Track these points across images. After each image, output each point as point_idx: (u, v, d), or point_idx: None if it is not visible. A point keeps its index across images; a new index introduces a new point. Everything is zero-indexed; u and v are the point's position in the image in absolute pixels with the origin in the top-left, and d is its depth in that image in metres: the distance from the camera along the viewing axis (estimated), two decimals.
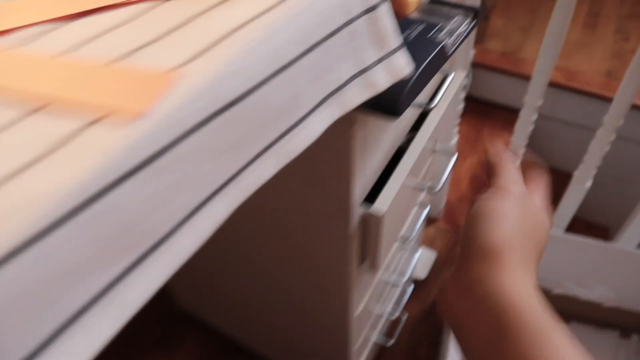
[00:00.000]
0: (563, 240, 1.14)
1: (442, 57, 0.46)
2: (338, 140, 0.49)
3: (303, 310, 0.88)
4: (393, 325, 1.27)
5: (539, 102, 1.11)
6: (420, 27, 0.48)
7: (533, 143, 1.31)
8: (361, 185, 0.56)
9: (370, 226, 0.62)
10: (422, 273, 1.34)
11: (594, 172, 1.18)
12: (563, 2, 0.92)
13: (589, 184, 1.20)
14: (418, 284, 1.37)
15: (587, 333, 1.29)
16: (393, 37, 0.34)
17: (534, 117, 1.16)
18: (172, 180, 0.22)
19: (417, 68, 0.42)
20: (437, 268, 1.40)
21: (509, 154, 0.41)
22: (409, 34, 0.46)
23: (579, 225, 2.01)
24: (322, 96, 0.30)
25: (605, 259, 1.13)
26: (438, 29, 0.48)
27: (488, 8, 2.38)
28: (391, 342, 1.12)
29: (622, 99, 1.01)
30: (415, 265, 1.30)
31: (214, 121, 0.23)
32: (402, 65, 0.35)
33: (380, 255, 0.66)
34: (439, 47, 0.45)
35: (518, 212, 0.36)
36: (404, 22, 0.49)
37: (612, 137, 1.10)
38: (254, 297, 0.97)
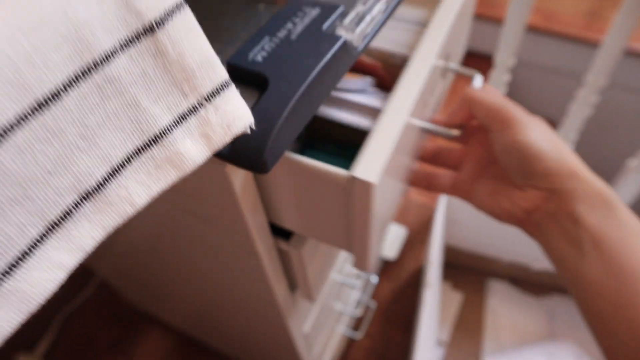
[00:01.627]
0: None
1: (344, 58, 0.32)
2: (216, 180, 0.36)
3: (248, 328, 0.77)
4: (364, 314, 1.17)
5: (515, 48, 0.97)
6: (314, 14, 0.33)
7: (511, 92, 1.18)
8: (263, 221, 0.43)
9: (291, 261, 0.49)
10: (391, 253, 1.22)
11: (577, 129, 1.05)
12: None
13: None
14: (388, 265, 1.26)
15: (569, 303, 1.21)
16: (207, 71, 0.19)
17: (511, 63, 1.01)
18: None
19: (297, 87, 0.28)
20: (408, 246, 1.29)
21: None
22: (292, 28, 0.32)
23: None
24: (51, 218, 0.16)
25: None
26: (340, 14, 0.33)
27: None
28: (359, 335, 1.03)
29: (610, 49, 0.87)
30: (384, 245, 1.19)
31: None
32: (231, 117, 0.21)
33: (313, 287, 0.54)
34: (338, 45, 0.30)
35: None
36: (291, 5, 0.34)
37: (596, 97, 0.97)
38: (204, 304, 0.85)
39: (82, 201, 0.17)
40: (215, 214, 0.42)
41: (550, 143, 0.38)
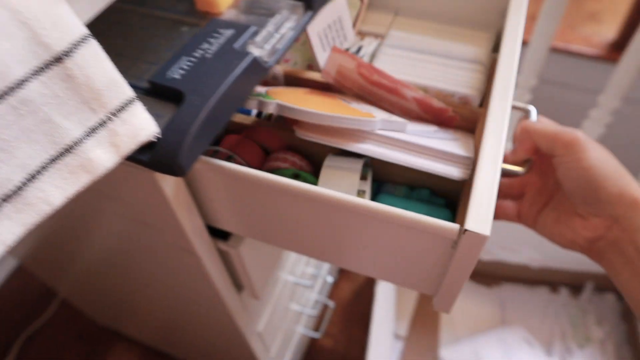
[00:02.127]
0: None
1: (255, 72, 0.36)
2: (148, 187, 0.39)
3: (202, 331, 0.79)
4: (322, 313, 1.21)
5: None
6: (228, 34, 0.37)
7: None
8: (199, 223, 0.47)
9: (232, 260, 0.53)
10: None
11: None
12: None
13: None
14: None
15: (519, 291, 1.28)
16: (113, 90, 0.23)
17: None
18: None
19: (206, 100, 0.32)
20: None
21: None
22: (208, 48, 0.36)
23: None
24: None
25: None
26: (252, 33, 0.37)
27: None
28: (318, 334, 1.07)
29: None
30: None
31: None
32: (137, 128, 0.25)
33: (257, 285, 0.58)
34: (247, 62, 0.35)
35: None
36: (208, 27, 0.38)
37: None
38: (162, 313, 0.88)
39: (2, 202, 0.20)
40: (155, 219, 0.46)
41: (612, 167, 0.38)
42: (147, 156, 0.30)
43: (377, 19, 0.61)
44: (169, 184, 0.39)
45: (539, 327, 1.22)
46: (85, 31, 0.22)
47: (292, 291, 0.90)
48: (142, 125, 0.25)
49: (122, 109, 0.24)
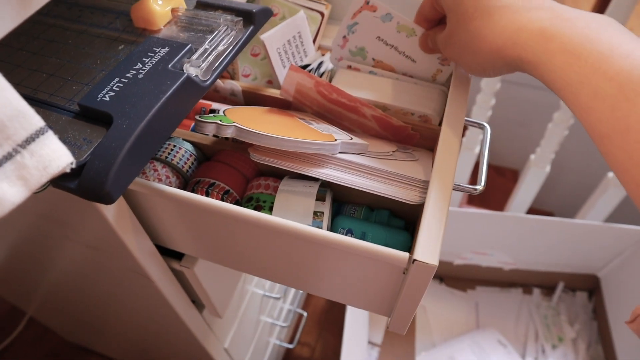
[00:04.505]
0: (457, 214, 1.09)
1: (191, 93, 0.35)
2: (89, 211, 0.38)
3: (171, 345, 0.78)
4: (297, 323, 1.20)
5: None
6: (162, 53, 0.36)
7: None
8: (149, 243, 0.45)
9: (188, 280, 0.52)
10: None
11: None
12: None
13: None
14: None
15: (492, 294, 1.29)
16: (20, 121, 0.22)
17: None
18: None
19: (137, 124, 0.31)
20: None
21: None
22: (140, 68, 0.34)
23: (490, 171, 2.02)
24: None
25: (499, 227, 1.10)
26: (187, 51, 0.36)
27: None
28: (292, 345, 1.06)
29: None
30: None
31: None
32: (49, 159, 0.24)
33: (217, 304, 0.57)
34: (181, 81, 0.34)
35: None
36: (142, 46, 0.37)
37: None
38: (129, 332, 0.85)
39: None
40: (102, 243, 0.44)
41: None
42: (74, 183, 0.29)
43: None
44: (110, 209, 0.38)
45: (513, 328, 1.22)
46: None
47: (262, 303, 0.89)
48: (53, 156, 0.24)
49: (30, 140, 0.23)
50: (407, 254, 0.34)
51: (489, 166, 1.98)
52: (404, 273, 0.36)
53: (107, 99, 0.32)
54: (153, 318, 0.63)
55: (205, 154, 0.49)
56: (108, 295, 0.65)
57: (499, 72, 0.39)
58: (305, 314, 1.12)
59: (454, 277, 1.30)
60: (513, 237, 1.12)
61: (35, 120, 0.23)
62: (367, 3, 0.50)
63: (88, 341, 1.12)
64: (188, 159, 0.47)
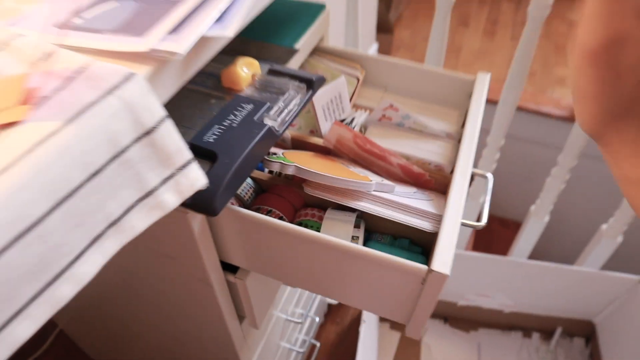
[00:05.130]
0: (463, 257, 1.19)
1: (269, 139, 0.47)
2: (179, 225, 0.49)
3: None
4: (309, 353, 1.28)
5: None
6: (249, 108, 0.48)
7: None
8: (216, 256, 0.56)
9: (237, 291, 0.62)
10: None
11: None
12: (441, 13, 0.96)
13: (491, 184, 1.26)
14: (332, 308, 1.38)
15: (494, 336, 1.36)
16: (179, 154, 0.34)
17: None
18: None
19: (235, 160, 0.42)
20: None
21: None
22: (235, 118, 0.46)
23: (495, 223, 2.12)
24: (96, 234, 0.29)
25: (501, 271, 1.19)
26: (267, 108, 0.48)
27: (392, 21, 2.45)
28: None
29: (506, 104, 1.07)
30: None
31: None
32: (193, 180, 0.35)
33: (257, 315, 0.66)
34: (264, 131, 0.45)
35: None
36: (233, 101, 0.49)
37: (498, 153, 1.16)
38: (154, 343, 0.94)
39: (109, 227, 0.30)
40: (179, 252, 0.55)
41: None
42: (190, 200, 0.41)
43: (370, 94, 0.73)
44: (197, 224, 0.49)
45: None
46: (164, 113, 0.33)
47: (283, 329, 0.98)
48: (197, 178, 0.35)
49: (184, 166, 0.34)
50: (425, 266, 0.45)
51: (494, 218, 2.08)
52: (422, 283, 0.46)
53: (211, 139, 0.44)
54: (197, 328, 0.73)
55: (261, 187, 0.61)
56: (158, 305, 0.75)
57: None
58: (318, 344, 1.20)
59: (458, 317, 1.38)
60: (514, 280, 1.22)
61: (187, 153, 0.35)
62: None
63: (114, 358, 1.20)
64: (249, 191, 0.59)
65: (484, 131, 0.89)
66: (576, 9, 2.72)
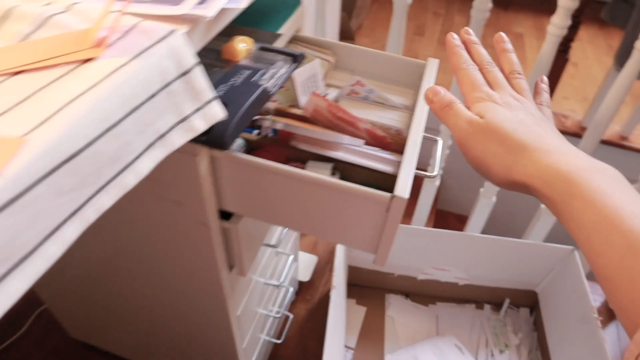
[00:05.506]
0: (422, 232, 1.33)
1: (264, 96, 0.58)
2: (187, 169, 0.60)
3: (187, 318, 0.96)
4: (282, 325, 1.38)
5: None
6: (247, 73, 0.60)
7: None
8: (215, 202, 0.67)
9: (230, 237, 0.73)
10: (305, 276, 1.47)
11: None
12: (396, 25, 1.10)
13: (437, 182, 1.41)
14: (302, 286, 1.49)
15: (450, 309, 1.50)
16: (207, 91, 0.45)
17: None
18: (28, 216, 0.31)
19: (240, 107, 0.54)
20: (319, 270, 1.54)
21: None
22: (236, 80, 0.58)
23: (451, 218, 2.29)
24: (150, 141, 0.40)
25: (456, 245, 1.34)
26: (262, 73, 0.60)
27: (353, 29, 2.62)
28: (280, 340, 1.23)
29: None
30: (297, 269, 1.43)
31: (56, 172, 0.32)
32: (217, 112, 0.47)
33: (245, 262, 0.77)
34: (261, 89, 0.57)
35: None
36: (233, 68, 0.60)
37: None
38: (138, 314, 1.03)
39: (158, 139, 0.41)
40: (186, 197, 0.65)
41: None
42: (205, 137, 0.52)
43: (339, 76, 0.86)
44: (203, 167, 0.60)
45: (467, 336, 1.43)
46: (196, 60, 0.44)
47: (260, 294, 1.08)
48: (218, 111, 0.47)
49: (210, 102, 0.45)
50: (389, 193, 0.57)
51: (451, 214, 2.25)
52: (387, 211, 0.59)
53: (221, 94, 0.56)
54: (192, 275, 0.82)
55: (251, 146, 0.72)
56: (153, 254, 0.84)
57: (509, 189, 0.46)
58: (291, 315, 1.31)
59: (418, 293, 1.51)
60: (467, 254, 1.36)
61: (212, 92, 0.46)
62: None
63: (96, 336, 1.26)
64: (241, 149, 0.70)
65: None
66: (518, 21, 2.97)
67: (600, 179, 0.37)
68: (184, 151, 0.57)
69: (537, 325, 1.45)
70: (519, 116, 0.44)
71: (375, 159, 0.65)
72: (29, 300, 1.35)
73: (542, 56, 1.16)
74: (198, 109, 0.45)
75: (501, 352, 1.40)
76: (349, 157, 0.64)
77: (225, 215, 0.71)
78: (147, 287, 0.92)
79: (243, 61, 0.63)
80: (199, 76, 0.44)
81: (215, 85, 0.57)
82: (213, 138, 0.51)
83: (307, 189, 0.61)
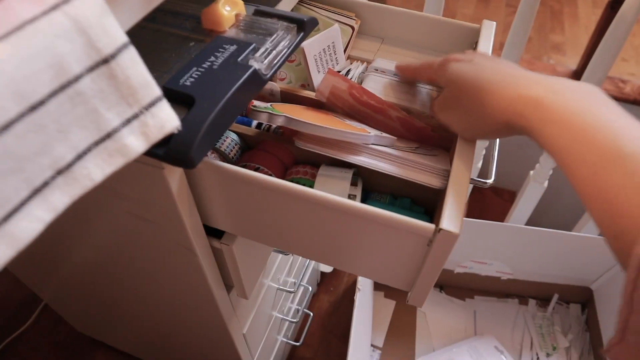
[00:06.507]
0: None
1: (255, 83, 0.41)
2: (155, 183, 0.43)
3: (191, 330, 0.82)
4: (303, 323, 1.25)
5: None
6: (231, 49, 0.42)
7: None
8: (199, 219, 0.51)
9: (224, 258, 0.57)
10: (328, 267, 1.31)
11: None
12: None
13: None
14: (325, 277, 1.35)
15: (491, 303, 1.34)
16: (146, 89, 0.28)
17: None
18: None
19: (215, 104, 0.37)
20: None
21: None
22: (215, 60, 0.41)
23: (488, 192, 2.09)
24: (40, 182, 0.24)
25: (499, 237, 1.16)
26: (252, 49, 0.42)
27: None
28: (299, 343, 1.10)
29: None
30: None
31: None
32: (163, 121, 0.30)
33: (246, 284, 0.62)
34: (249, 73, 0.40)
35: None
36: (214, 42, 0.43)
37: None
38: (140, 318, 0.90)
39: (56, 175, 0.25)
40: (158, 215, 0.50)
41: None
42: (162, 150, 0.35)
43: (366, 46, 0.67)
44: (175, 181, 0.43)
45: (509, 336, 1.27)
46: (126, 39, 0.27)
47: (275, 299, 0.94)
48: (167, 119, 0.30)
49: (152, 104, 0.29)
50: (433, 225, 0.40)
51: (487, 188, 2.05)
52: (428, 245, 0.41)
53: (188, 83, 0.39)
54: (183, 296, 0.68)
55: (247, 144, 0.55)
56: (141, 273, 0.70)
57: (497, 136, 0.45)
58: (311, 314, 1.17)
59: (454, 285, 1.35)
60: (511, 247, 1.18)
61: (156, 89, 0.29)
62: None
63: (100, 331, 1.16)
64: (234, 147, 0.53)
65: None
66: None
67: (572, 97, 0.38)
68: (146, 162, 0.40)
69: (590, 325, 1.28)
70: (476, 64, 0.46)
71: (414, 167, 0.47)
72: (34, 294, 1.26)
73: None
74: (132, 118, 0.28)
75: (548, 355, 1.23)
76: (376, 163, 0.47)
77: (216, 232, 0.55)
78: (147, 294, 0.79)
79: (230, 31, 0.46)
80: (132, 64, 0.27)
81: (185, 69, 0.40)
82: (173, 153, 0.35)
83: (316, 212, 0.44)
